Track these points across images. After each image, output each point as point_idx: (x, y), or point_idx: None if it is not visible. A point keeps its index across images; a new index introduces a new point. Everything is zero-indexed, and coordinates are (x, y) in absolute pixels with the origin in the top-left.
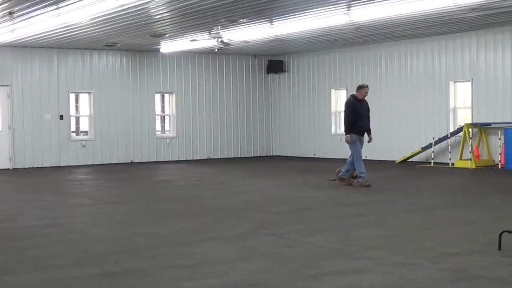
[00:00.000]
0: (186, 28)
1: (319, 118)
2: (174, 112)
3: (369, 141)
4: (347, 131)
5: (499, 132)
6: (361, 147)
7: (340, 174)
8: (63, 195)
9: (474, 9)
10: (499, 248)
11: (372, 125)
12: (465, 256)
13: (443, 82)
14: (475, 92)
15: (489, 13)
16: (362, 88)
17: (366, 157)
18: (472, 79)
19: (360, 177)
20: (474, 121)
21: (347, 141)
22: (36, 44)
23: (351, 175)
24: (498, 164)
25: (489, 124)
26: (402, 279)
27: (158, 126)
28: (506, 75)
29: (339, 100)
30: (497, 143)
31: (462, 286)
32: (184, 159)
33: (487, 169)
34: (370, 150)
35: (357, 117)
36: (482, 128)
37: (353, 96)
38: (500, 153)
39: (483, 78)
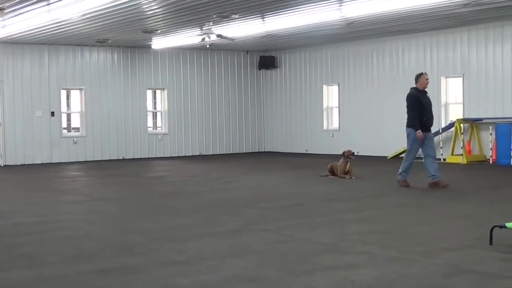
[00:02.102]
0: (178, 24)
1: (311, 114)
2: (166, 108)
3: None
4: (415, 127)
5: (491, 127)
6: (432, 144)
7: (430, 179)
8: (55, 192)
9: (465, 4)
10: (491, 243)
11: (364, 121)
12: (457, 251)
13: (435, 77)
14: (466, 87)
15: (480, 8)
16: (420, 76)
17: (358, 153)
18: (463, 74)
19: (400, 174)
20: (465, 117)
21: (418, 138)
22: (27, 40)
23: (435, 175)
24: (489, 159)
25: (481, 119)
26: (395, 274)
27: (149, 123)
28: (497, 71)
29: (331, 96)
30: (488, 138)
31: (454, 281)
32: (176, 155)
33: (478, 164)
34: (363, 146)
35: (422, 111)
36: (474, 124)
37: (414, 88)
38: (491, 148)
39: (475, 73)
